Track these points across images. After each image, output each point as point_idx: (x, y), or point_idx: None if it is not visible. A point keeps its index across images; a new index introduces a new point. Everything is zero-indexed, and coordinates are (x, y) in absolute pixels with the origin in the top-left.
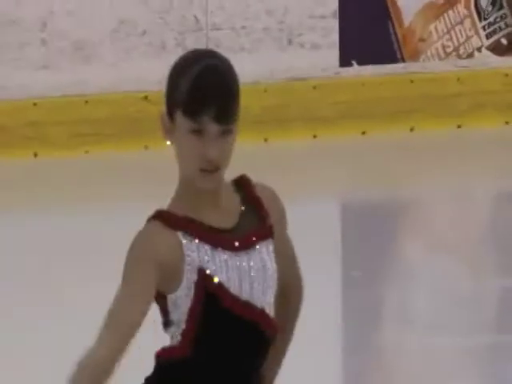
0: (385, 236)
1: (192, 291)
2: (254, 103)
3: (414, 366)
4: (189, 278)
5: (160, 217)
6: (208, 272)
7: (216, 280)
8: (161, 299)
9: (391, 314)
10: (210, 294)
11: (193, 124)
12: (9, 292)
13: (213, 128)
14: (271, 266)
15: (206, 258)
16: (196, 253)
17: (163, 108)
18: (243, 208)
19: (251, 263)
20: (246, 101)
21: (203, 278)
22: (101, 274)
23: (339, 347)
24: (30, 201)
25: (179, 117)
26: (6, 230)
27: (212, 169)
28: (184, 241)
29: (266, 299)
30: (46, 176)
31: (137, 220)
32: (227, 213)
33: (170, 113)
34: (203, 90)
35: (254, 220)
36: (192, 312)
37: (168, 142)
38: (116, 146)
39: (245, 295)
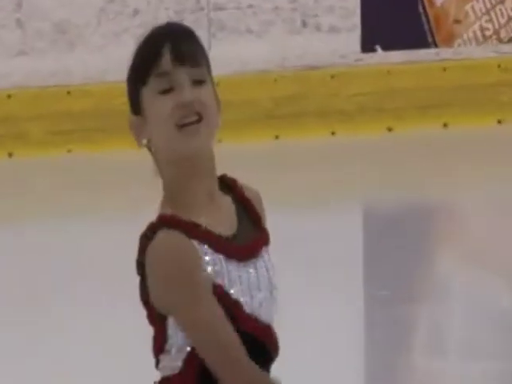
0: (413, 247)
1: None
2: (263, 95)
3: None
4: None
5: (175, 225)
6: (225, 287)
7: (233, 296)
8: (159, 322)
9: (420, 335)
10: (227, 312)
11: (157, 83)
12: None
13: (179, 74)
14: (273, 274)
15: (221, 270)
16: (212, 266)
17: (128, 111)
18: (236, 211)
19: (258, 273)
20: (254, 92)
21: (219, 294)
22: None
23: (363, 371)
24: (2, 209)
25: (144, 92)
26: None
27: (192, 118)
28: (201, 252)
29: (271, 314)
30: (21, 179)
31: (127, 232)
32: (226, 216)
33: (134, 104)
34: (151, 43)
35: (249, 224)
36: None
37: (144, 141)
38: (103, 143)
39: (256, 311)
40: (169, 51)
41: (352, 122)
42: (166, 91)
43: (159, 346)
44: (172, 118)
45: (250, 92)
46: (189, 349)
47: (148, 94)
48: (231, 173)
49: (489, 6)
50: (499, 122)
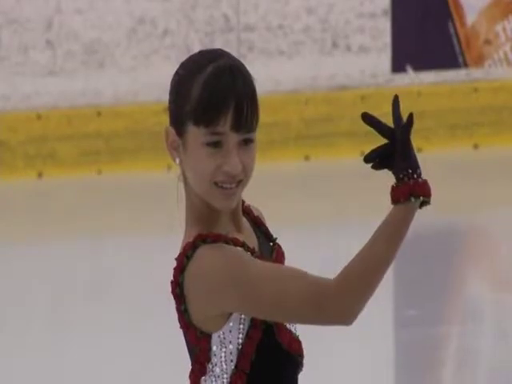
0: (444, 269)
1: (247, 323)
2: (293, 116)
3: None
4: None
5: (215, 239)
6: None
7: None
8: (202, 340)
9: (450, 359)
10: (268, 326)
11: (208, 136)
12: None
13: (232, 138)
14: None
15: None
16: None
17: (167, 122)
18: (252, 229)
19: None
20: (284, 113)
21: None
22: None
23: None
24: (33, 228)
25: (191, 129)
26: (5, 262)
27: (232, 184)
28: None
29: (296, 325)
30: (51, 199)
31: (158, 257)
32: (249, 235)
33: (178, 126)
34: (217, 95)
35: (265, 240)
36: (247, 347)
37: (177, 161)
38: (133, 164)
39: (291, 325)
40: (230, 117)
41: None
42: (213, 144)
43: (202, 367)
44: (213, 177)
45: (280, 112)
46: (233, 366)
47: (196, 135)
48: (262, 193)
49: None
50: None
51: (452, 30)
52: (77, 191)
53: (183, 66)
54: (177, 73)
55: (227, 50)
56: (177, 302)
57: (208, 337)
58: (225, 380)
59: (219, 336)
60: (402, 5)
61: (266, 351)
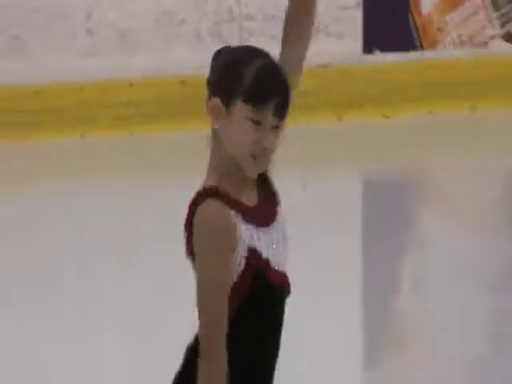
0: (404, 209)
1: (241, 268)
2: None
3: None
4: (240, 257)
5: (220, 196)
6: (258, 250)
7: (263, 256)
8: None
9: (406, 277)
10: (258, 271)
11: (253, 114)
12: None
13: (270, 121)
14: (286, 228)
15: (253, 236)
16: (245, 232)
17: (213, 94)
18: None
19: (279, 234)
20: None
21: (254, 256)
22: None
23: (359, 308)
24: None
25: (239, 104)
26: (64, 212)
27: (265, 156)
28: (237, 220)
29: (285, 263)
30: (92, 157)
31: (176, 203)
32: (252, 189)
33: (227, 98)
34: (267, 85)
35: (264, 191)
36: (238, 287)
37: (216, 126)
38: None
39: (279, 265)
40: (274, 104)
41: (357, 109)
42: (255, 121)
43: None
44: (249, 147)
45: None
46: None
47: (241, 110)
48: None
49: (465, 16)
50: (472, 108)
51: (411, 20)
52: (113, 150)
53: (235, 54)
54: (231, 59)
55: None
56: (186, 232)
57: None
58: None
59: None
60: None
61: (257, 289)
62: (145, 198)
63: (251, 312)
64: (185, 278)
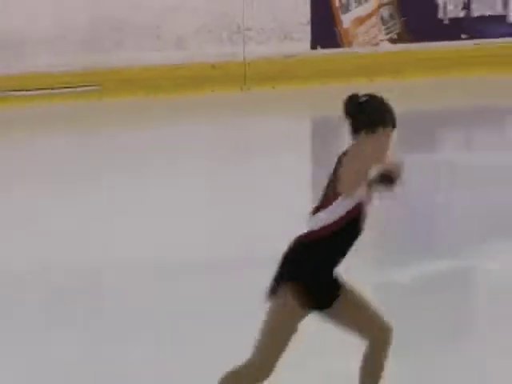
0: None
1: (354, 203)
2: None
3: None
4: (360, 195)
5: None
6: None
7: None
8: (337, 193)
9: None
10: (361, 205)
11: (389, 132)
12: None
13: (392, 133)
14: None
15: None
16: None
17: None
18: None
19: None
20: None
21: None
22: None
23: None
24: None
25: (382, 129)
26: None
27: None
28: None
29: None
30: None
31: None
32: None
33: (372, 126)
34: (391, 112)
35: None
36: (348, 213)
37: (360, 137)
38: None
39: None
40: (393, 128)
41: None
42: (388, 136)
43: (329, 203)
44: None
45: None
46: (336, 218)
47: (385, 132)
48: None
49: (368, 27)
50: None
51: (337, 31)
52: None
53: (372, 100)
54: (375, 101)
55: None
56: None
57: (339, 194)
58: (322, 223)
59: (342, 199)
60: (317, 17)
61: (353, 217)
62: None
63: (344, 228)
64: None
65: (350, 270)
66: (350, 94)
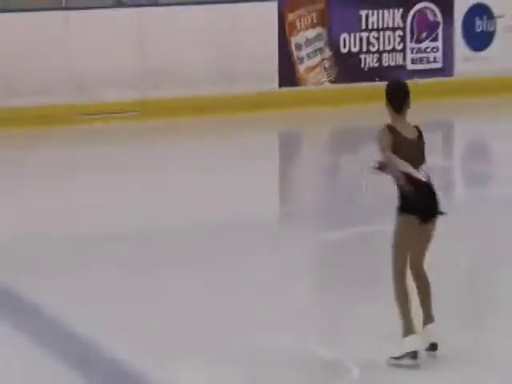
0: None
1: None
2: None
3: None
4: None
5: (387, 126)
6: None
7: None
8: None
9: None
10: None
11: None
12: None
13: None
14: (424, 150)
15: (397, 146)
16: (398, 146)
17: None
18: (417, 133)
19: (413, 148)
20: None
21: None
22: None
23: None
24: None
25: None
26: None
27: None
28: (390, 135)
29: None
30: None
31: None
32: (411, 133)
33: (395, 107)
34: (403, 91)
35: (420, 138)
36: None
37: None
38: None
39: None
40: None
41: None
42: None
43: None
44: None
45: None
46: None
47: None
48: None
49: (316, 72)
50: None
51: (296, 74)
52: None
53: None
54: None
55: None
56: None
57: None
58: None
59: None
60: (283, 66)
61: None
62: None
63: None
64: None
65: (302, 231)
66: (397, 80)
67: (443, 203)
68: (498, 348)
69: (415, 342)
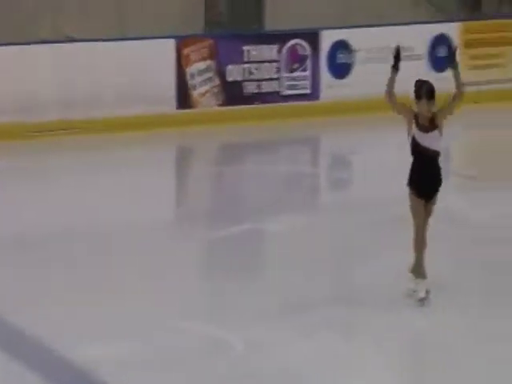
0: None
1: (411, 138)
2: None
3: None
4: (411, 134)
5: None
6: (416, 137)
7: (417, 140)
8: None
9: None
10: (415, 142)
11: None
12: None
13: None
14: (438, 137)
15: (415, 132)
16: (415, 130)
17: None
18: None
19: (431, 135)
20: None
21: (413, 138)
22: None
23: None
24: None
25: (419, 99)
26: None
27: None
28: (413, 119)
29: (435, 145)
30: None
31: None
32: (426, 119)
33: (416, 98)
34: (423, 88)
35: (432, 121)
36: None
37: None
38: None
39: (425, 144)
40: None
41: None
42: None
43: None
44: (421, 110)
45: None
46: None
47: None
48: None
49: (206, 97)
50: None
51: (189, 97)
52: None
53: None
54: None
55: None
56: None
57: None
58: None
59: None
60: (179, 92)
61: (416, 150)
62: None
63: (417, 152)
64: None
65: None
66: (423, 80)
67: (310, 204)
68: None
69: (421, 286)
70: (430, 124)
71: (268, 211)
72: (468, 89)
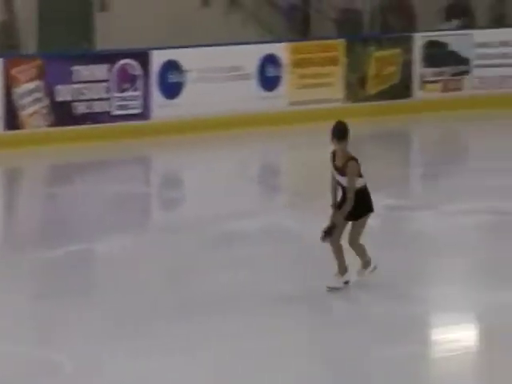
0: None
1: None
2: None
3: None
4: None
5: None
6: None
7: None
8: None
9: None
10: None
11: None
12: None
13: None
14: (343, 180)
15: (332, 169)
16: (331, 167)
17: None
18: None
19: (341, 178)
20: None
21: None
22: None
23: None
24: None
25: (331, 139)
26: None
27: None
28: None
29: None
30: None
31: None
32: (341, 160)
33: (331, 137)
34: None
35: (343, 166)
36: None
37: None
38: None
39: (341, 181)
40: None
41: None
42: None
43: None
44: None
45: None
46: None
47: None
48: None
49: (35, 117)
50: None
51: (19, 120)
52: None
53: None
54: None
55: None
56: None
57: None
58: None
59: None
60: (7, 98)
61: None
62: None
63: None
64: None
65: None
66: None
67: (140, 224)
68: None
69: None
70: (343, 168)
71: (98, 232)
72: (297, 108)
